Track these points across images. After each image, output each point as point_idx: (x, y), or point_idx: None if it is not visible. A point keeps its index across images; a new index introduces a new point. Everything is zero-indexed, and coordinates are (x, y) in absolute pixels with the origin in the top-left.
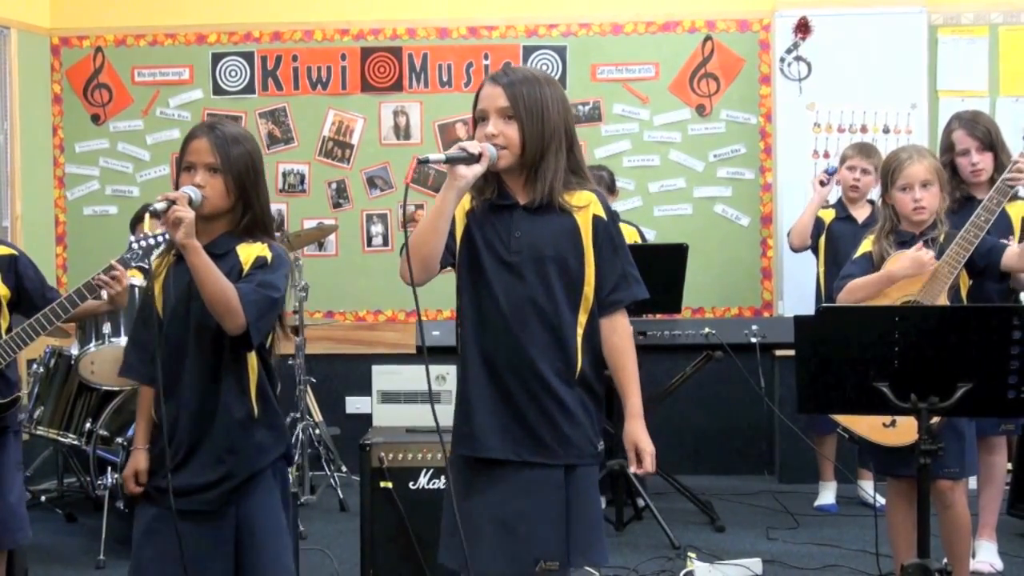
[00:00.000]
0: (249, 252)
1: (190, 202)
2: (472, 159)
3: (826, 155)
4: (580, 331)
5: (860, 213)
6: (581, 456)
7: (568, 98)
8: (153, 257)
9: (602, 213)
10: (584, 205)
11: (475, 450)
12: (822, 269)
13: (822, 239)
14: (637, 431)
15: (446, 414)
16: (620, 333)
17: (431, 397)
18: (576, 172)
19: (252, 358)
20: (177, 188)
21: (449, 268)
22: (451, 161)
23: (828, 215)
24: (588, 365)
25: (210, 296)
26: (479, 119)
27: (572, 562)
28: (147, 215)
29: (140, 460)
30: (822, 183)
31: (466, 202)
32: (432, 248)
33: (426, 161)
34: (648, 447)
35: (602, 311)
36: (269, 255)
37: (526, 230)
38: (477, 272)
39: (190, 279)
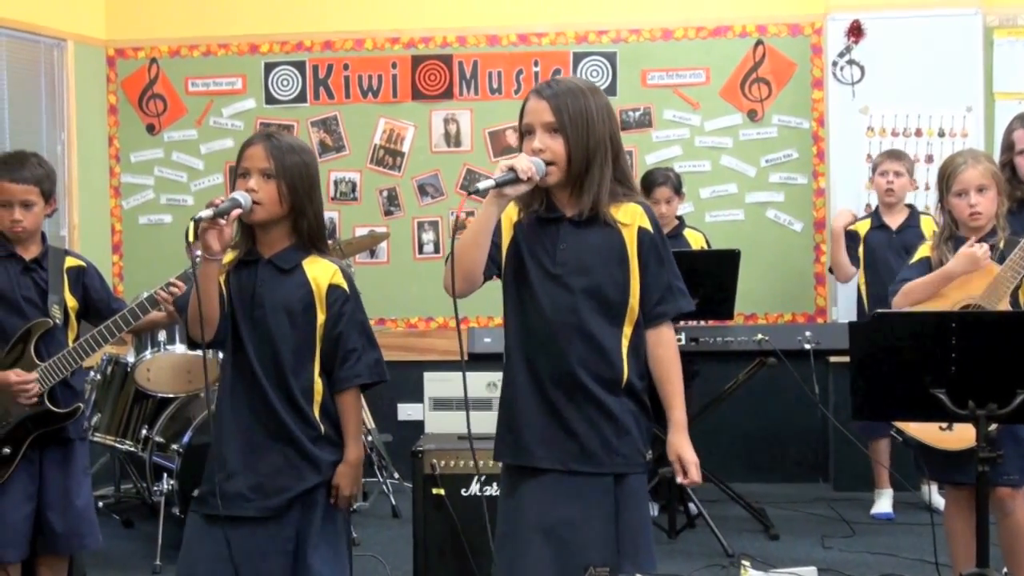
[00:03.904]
0: (318, 274)
1: (239, 206)
2: (520, 181)
3: None
4: (625, 342)
5: (895, 220)
6: (629, 465)
7: (614, 105)
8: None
9: (648, 226)
10: (630, 221)
11: (521, 459)
12: (862, 279)
13: (860, 250)
14: (681, 443)
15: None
16: (665, 345)
17: (467, 406)
18: (622, 182)
19: (318, 377)
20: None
21: (495, 277)
22: (500, 185)
23: (863, 226)
24: (635, 375)
25: (197, 306)
26: (525, 132)
27: (621, 569)
28: (191, 223)
29: None
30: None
31: (513, 213)
32: (475, 260)
33: (477, 191)
34: (693, 458)
35: (647, 323)
36: (345, 284)
37: (571, 243)
38: (522, 283)
39: (254, 289)
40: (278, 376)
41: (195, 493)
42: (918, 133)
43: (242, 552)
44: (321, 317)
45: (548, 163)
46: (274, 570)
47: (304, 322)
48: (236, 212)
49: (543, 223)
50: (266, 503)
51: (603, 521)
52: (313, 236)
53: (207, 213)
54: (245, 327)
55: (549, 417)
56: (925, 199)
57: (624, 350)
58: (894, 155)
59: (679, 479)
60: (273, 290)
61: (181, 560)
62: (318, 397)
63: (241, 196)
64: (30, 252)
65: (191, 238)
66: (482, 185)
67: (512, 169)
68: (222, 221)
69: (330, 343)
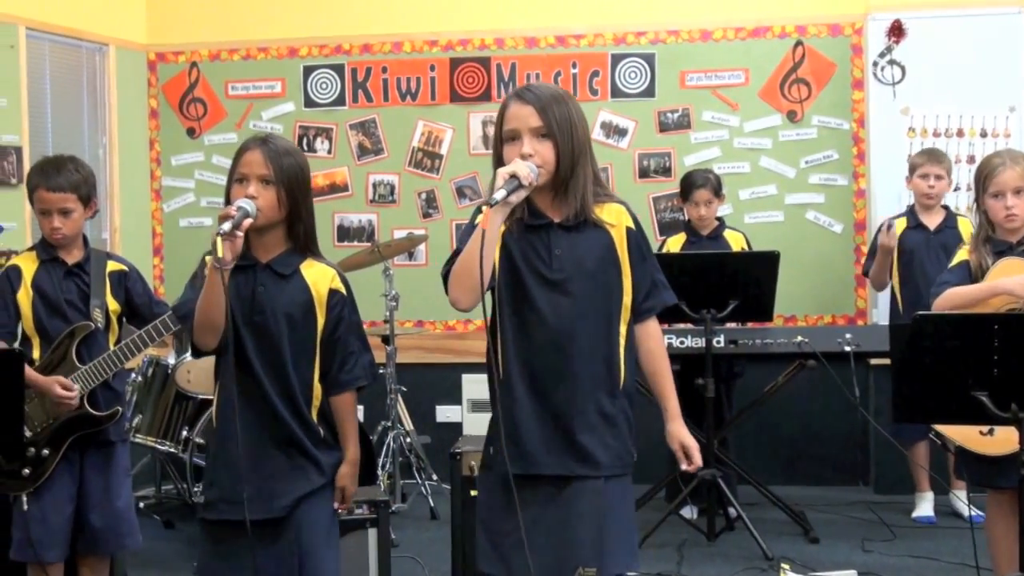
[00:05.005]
0: (317, 279)
1: (249, 215)
2: (522, 187)
3: None
4: (623, 342)
5: (932, 220)
6: (622, 466)
7: (653, 106)
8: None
9: (632, 224)
10: (616, 221)
11: (526, 468)
12: (896, 279)
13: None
14: (681, 431)
15: None
16: (655, 339)
17: (495, 408)
18: (598, 183)
19: (317, 382)
20: (228, 200)
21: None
22: (510, 194)
23: (900, 224)
24: (630, 375)
25: (207, 314)
26: (508, 138)
27: (607, 569)
28: (218, 239)
29: None
30: (887, 231)
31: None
32: (487, 273)
33: (495, 203)
34: (694, 443)
35: (636, 319)
36: (343, 288)
37: (566, 247)
38: (519, 290)
39: (253, 295)
40: (281, 380)
41: (201, 500)
42: (959, 133)
43: (257, 557)
44: (321, 321)
45: (538, 167)
46: (284, 571)
47: (304, 326)
48: (248, 222)
49: (531, 230)
50: (273, 505)
51: (593, 521)
52: (308, 239)
53: (227, 227)
54: (246, 332)
55: (550, 423)
56: (956, 199)
57: (622, 351)
58: (935, 157)
59: (683, 466)
60: (274, 295)
61: (201, 566)
62: (316, 401)
63: (248, 204)
64: (73, 256)
65: (219, 252)
66: (498, 196)
67: (515, 176)
68: (238, 232)
69: (329, 346)
